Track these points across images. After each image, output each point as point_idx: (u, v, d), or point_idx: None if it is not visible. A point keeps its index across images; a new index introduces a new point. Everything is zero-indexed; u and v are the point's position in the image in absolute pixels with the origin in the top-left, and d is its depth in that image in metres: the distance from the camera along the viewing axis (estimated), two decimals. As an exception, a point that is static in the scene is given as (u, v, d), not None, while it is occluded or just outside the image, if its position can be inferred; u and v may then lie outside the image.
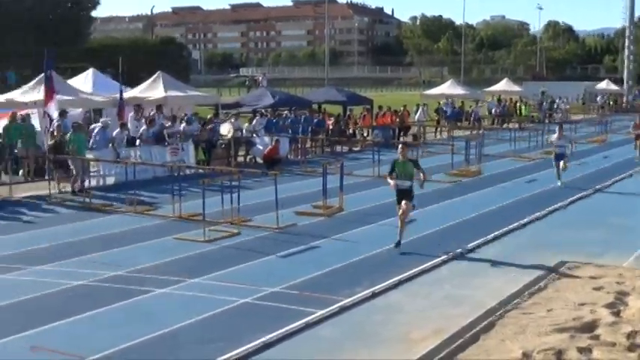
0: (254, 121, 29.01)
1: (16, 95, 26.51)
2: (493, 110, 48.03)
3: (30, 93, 25.46)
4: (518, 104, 50.60)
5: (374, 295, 11.24)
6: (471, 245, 14.42)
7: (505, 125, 43.68)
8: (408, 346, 9.14)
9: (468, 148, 25.55)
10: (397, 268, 12.64)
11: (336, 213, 17.61)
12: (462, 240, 14.77)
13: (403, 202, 14.10)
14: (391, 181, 14.34)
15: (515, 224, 16.42)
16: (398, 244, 14.02)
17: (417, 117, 39.89)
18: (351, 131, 34.24)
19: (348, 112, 36.91)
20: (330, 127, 32.58)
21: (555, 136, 22.23)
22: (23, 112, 24.01)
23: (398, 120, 36.98)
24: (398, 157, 14.37)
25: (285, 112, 32.70)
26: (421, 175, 14.56)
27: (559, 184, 21.61)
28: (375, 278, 12.02)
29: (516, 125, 42.07)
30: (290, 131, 29.85)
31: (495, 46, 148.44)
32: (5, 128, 23.52)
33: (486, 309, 10.46)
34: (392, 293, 11.43)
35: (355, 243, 14.71)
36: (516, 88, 58.34)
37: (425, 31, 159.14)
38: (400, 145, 15.02)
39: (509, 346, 8.97)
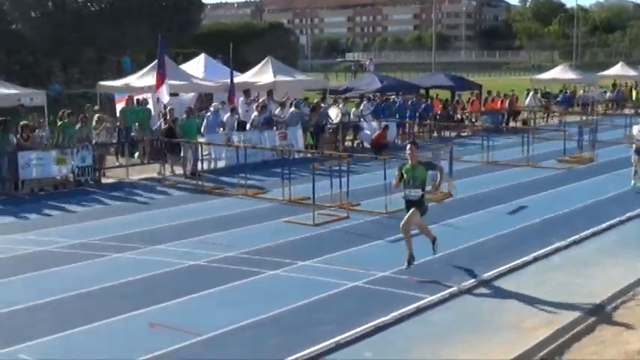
0: (362, 106, 29.04)
1: (133, 80, 27.42)
2: (607, 95, 46.57)
3: (145, 78, 26.28)
4: (633, 89, 48.79)
5: (485, 282, 11.12)
6: (584, 233, 14.05)
7: (620, 111, 42.24)
8: (520, 335, 9.01)
9: (581, 134, 24.85)
10: (508, 256, 12.45)
11: (445, 199, 17.46)
12: (574, 228, 14.39)
13: (410, 211, 11.56)
14: (394, 181, 12.02)
15: (633, 213, 15.88)
16: (411, 259, 11.65)
17: (527, 102, 39.07)
18: (458, 116, 33.86)
19: (456, 97, 36.47)
20: (438, 112, 32.33)
21: (637, 127, 19.37)
22: (141, 97, 24.82)
23: (507, 105, 36.28)
24: (406, 161, 11.78)
25: (393, 96, 32.62)
26: (438, 175, 11.91)
27: (632, 183, 18.77)
28: (485, 265, 11.89)
29: (632, 111, 40.61)
30: (397, 116, 29.76)
31: (610, 28, 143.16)
32: (122, 111, 24.39)
33: (602, 299, 10.21)
34: (503, 280, 11.28)
35: (464, 229, 14.57)
36: (632, 72, 56.10)
37: (535, 14, 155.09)
38: (408, 146, 11.89)
39: (627, 338, 8.74)
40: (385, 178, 16.08)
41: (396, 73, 68.40)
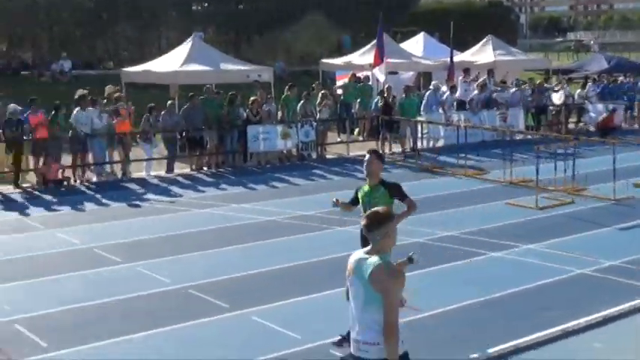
0: (587, 87, 27.78)
1: (354, 58, 27.94)
2: None
3: (366, 56, 26.67)
4: None
5: None
6: None
7: None
8: None
9: None
10: None
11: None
12: None
13: None
14: (338, 203, 8.60)
15: None
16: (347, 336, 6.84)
17: None
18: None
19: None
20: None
21: None
22: (362, 74, 25.22)
23: None
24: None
25: (621, 77, 30.94)
26: (407, 208, 8.21)
27: None
28: None
29: None
30: (626, 98, 28.20)
31: None
32: (344, 88, 24.93)
33: None
34: None
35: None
36: None
37: None
38: (367, 156, 8.37)
39: None
40: (614, 164, 15.34)
41: (623, 53, 64.67)
